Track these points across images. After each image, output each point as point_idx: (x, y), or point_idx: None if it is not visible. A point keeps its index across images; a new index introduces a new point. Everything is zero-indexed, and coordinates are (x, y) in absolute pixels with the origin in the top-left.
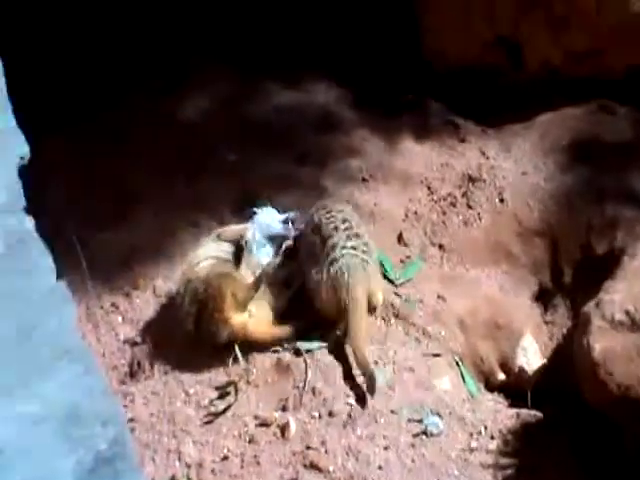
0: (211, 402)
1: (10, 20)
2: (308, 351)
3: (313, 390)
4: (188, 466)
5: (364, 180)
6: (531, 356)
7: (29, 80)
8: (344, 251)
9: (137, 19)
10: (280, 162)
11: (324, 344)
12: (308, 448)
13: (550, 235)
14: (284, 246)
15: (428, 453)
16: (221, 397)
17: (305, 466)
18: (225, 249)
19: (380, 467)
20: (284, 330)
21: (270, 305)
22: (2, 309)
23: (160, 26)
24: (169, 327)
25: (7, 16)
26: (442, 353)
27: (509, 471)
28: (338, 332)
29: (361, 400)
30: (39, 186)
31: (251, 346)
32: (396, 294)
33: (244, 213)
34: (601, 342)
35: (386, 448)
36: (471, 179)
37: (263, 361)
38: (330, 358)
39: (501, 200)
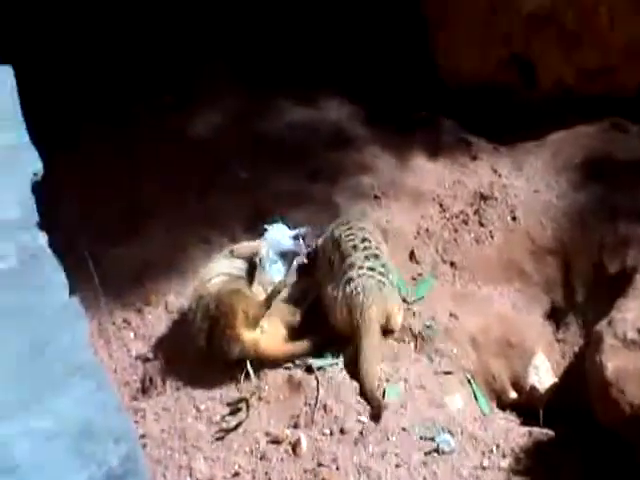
0: (222, 418)
1: (23, 37)
2: (320, 368)
3: (324, 407)
4: None
5: (376, 197)
6: (543, 374)
7: (42, 97)
8: (361, 271)
9: (148, 35)
10: (292, 179)
11: (336, 361)
12: (319, 465)
13: (562, 253)
14: (295, 262)
15: (440, 471)
16: (232, 413)
17: None
18: (237, 266)
19: None
20: (297, 346)
21: (283, 322)
22: (15, 325)
23: (172, 42)
24: (181, 343)
25: (19, 33)
26: (454, 371)
27: None
28: (351, 349)
29: (373, 417)
30: (51, 202)
31: (263, 363)
32: (410, 312)
33: (256, 230)
34: (613, 361)
35: (397, 466)
36: (483, 197)
37: (275, 378)
38: (342, 375)
39: (513, 218)
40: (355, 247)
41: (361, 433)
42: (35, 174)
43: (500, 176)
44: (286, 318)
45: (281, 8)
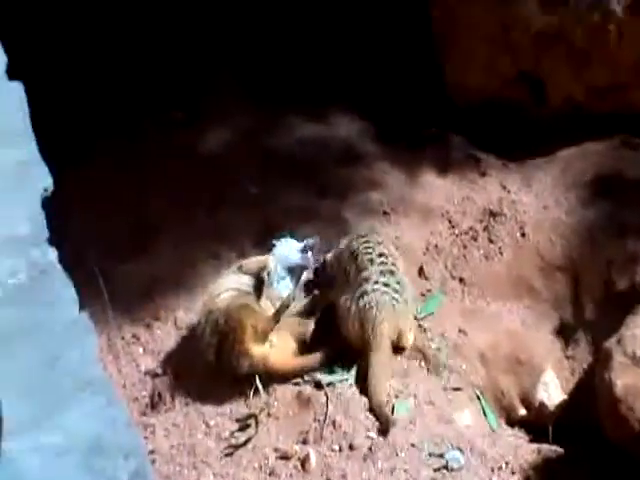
0: (232, 434)
1: (34, 54)
2: (329, 384)
3: (334, 423)
4: None
5: (385, 213)
6: (552, 391)
7: (51, 112)
8: (375, 286)
9: (159, 52)
10: (302, 194)
11: (345, 377)
12: None
13: (572, 270)
14: (304, 276)
15: None
16: (242, 429)
17: None
18: (246, 282)
19: None
20: (307, 360)
21: (292, 336)
22: (25, 340)
23: (181, 59)
24: (190, 358)
25: (29, 48)
26: (463, 387)
27: None
28: (361, 364)
29: (380, 432)
30: (61, 217)
31: (272, 378)
32: (419, 328)
33: (265, 245)
34: (622, 378)
35: None
36: (492, 213)
37: (284, 394)
38: (351, 391)
39: (522, 234)
40: (372, 261)
41: (370, 449)
42: (45, 190)
43: (509, 192)
44: (295, 332)
45: (292, 24)
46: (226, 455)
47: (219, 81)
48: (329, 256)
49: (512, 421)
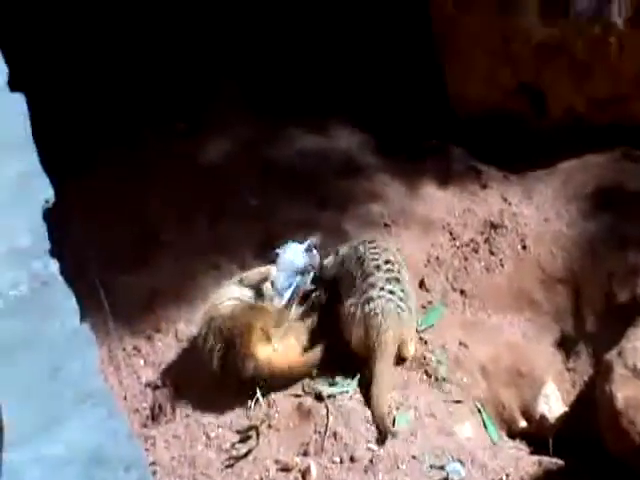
0: (232, 446)
1: (34, 63)
2: (330, 396)
3: (334, 435)
4: None
5: (386, 225)
6: (553, 403)
7: (53, 123)
8: (381, 293)
9: (161, 62)
10: (302, 206)
11: (346, 388)
12: None
13: (573, 282)
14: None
15: None
16: (242, 441)
17: None
18: (247, 294)
19: None
20: (307, 357)
21: (297, 340)
22: (26, 352)
23: (183, 69)
24: (191, 370)
25: (32, 59)
26: (464, 399)
27: None
28: (361, 376)
29: (380, 443)
30: (62, 228)
31: (275, 382)
32: (420, 340)
33: (266, 256)
34: (623, 391)
35: None
36: (493, 225)
37: (285, 405)
38: (352, 403)
39: (523, 247)
40: (378, 267)
41: (371, 461)
42: (46, 201)
43: (510, 204)
44: (299, 336)
45: (293, 36)
46: (227, 467)
47: (221, 92)
48: (327, 261)
49: (513, 433)
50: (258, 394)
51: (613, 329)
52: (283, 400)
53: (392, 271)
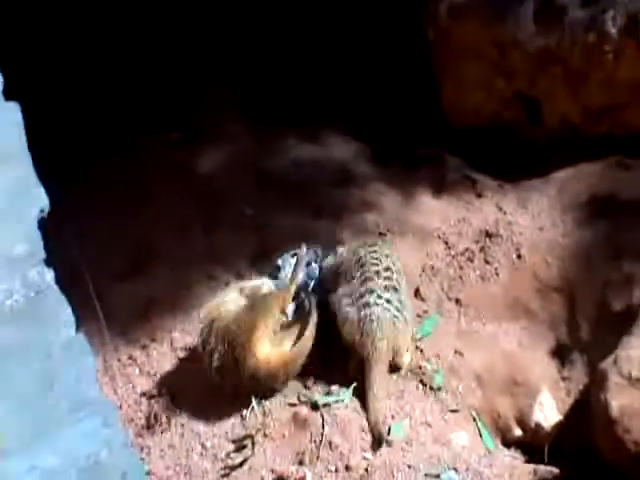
0: (228, 455)
1: (29, 70)
2: (325, 405)
3: (330, 444)
4: None
5: (381, 234)
6: (548, 412)
7: (48, 131)
8: (379, 300)
9: (156, 71)
10: (297, 216)
11: (341, 397)
12: None
13: (568, 291)
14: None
15: None
16: (238, 450)
17: None
18: (244, 303)
19: None
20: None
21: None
22: (21, 361)
23: (178, 79)
24: (186, 380)
25: (25, 66)
26: (459, 408)
27: None
28: (356, 385)
29: (374, 450)
30: (57, 237)
31: (266, 393)
32: (415, 349)
33: (261, 266)
34: (618, 399)
35: None
36: (488, 234)
37: (280, 414)
38: (347, 412)
39: (518, 256)
40: (378, 273)
41: (366, 470)
42: (42, 210)
43: (505, 213)
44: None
45: (288, 46)
46: (222, 476)
47: (215, 101)
48: (327, 261)
49: (508, 442)
50: (253, 403)
51: (608, 338)
52: (278, 409)
53: (391, 279)
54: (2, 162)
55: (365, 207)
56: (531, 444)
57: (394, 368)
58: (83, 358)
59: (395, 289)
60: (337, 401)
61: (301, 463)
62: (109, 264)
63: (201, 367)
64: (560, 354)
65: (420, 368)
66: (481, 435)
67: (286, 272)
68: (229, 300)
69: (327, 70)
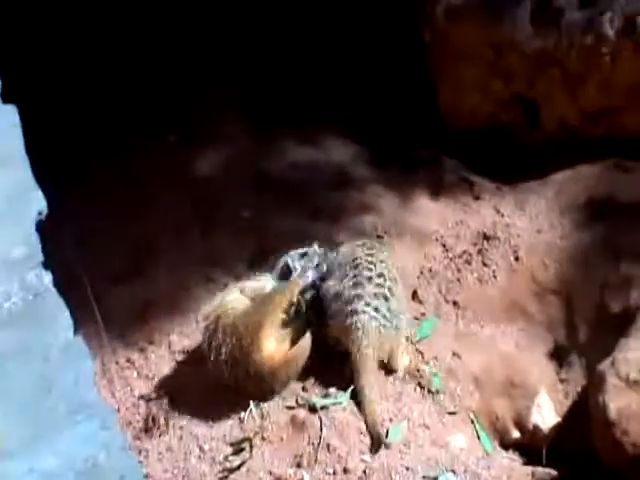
0: (226, 458)
1: (26, 73)
2: (323, 407)
3: (328, 446)
4: None
5: (379, 236)
6: (546, 414)
7: (47, 133)
8: (366, 308)
9: (154, 72)
10: (295, 218)
11: (339, 400)
12: None
13: (565, 293)
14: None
15: None
16: (236, 453)
17: None
18: (246, 302)
19: None
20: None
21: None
22: (19, 364)
23: (176, 80)
24: (184, 382)
25: (23, 68)
26: (457, 410)
27: None
28: (353, 387)
29: (376, 456)
30: (55, 239)
31: (266, 401)
32: (413, 351)
33: (259, 268)
34: (616, 401)
35: None
36: (486, 237)
37: (278, 417)
38: (345, 414)
39: (516, 258)
40: (370, 279)
41: (364, 472)
42: (40, 213)
43: (503, 216)
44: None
45: (285, 47)
46: (220, 479)
47: (215, 102)
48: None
49: (506, 444)
50: (252, 406)
51: (606, 339)
52: (276, 412)
53: (382, 286)
54: (0, 165)
55: (363, 209)
56: (529, 446)
57: (390, 371)
58: (81, 361)
59: (385, 297)
60: (335, 404)
61: (299, 466)
62: (107, 266)
63: (200, 369)
64: (558, 356)
65: (418, 370)
66: (479, 437)
67: (298, 272)
68: (233, 299)
69: (325, 72)
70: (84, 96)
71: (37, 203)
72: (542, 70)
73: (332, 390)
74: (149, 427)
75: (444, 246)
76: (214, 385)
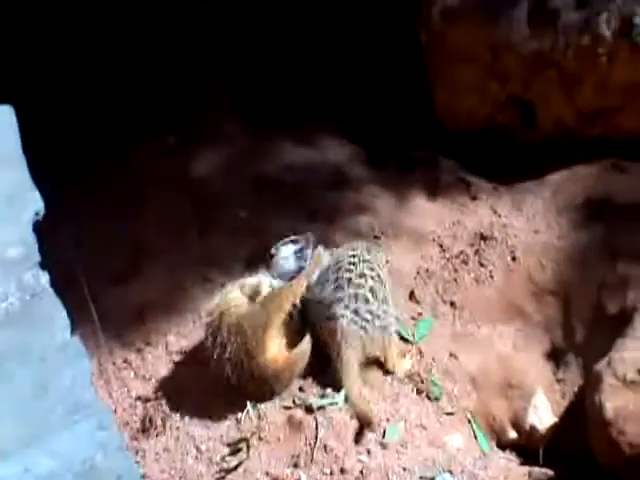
0: (223, 458)
1: (23, 74)
2: (320, 407)
3: (325, 447)
4: None
5: (375, 237)
6: (543, 414)
7: (44, 133)
8: (345, 312)
9: (150, 75)
10: (291, 219)
11: (336, 400)
12: None
13: (562, 293)
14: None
15: None
16: (233, 453)
17: None
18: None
19: None
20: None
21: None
22: (17, 364)
23: (173, 82)
24: (181, 383)
25: (20, 71)
26: (454, 410)
27: None
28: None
29: (373, 457)
30: (52, 239)
31: (263, 402)
32: (410, 352)
33: (256, 269)
34: (613, 401)
35: None
36: (483, 237)
37: (275, 417)
38: (342, 414)
39: (513, 258)
40: (350, 281)
41: (362, 472)
42: (37, 213)
43: (500, 216)
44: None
45: (282, 48)
46: (217, 479)
47: (214, 103)
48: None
49: (503, 444)
50: (248, 406)
51: (603, 340)
52: (273, 412)
53: (363, 287)
54: None
55: (359, 210)
56: (526, 446)
57: (388, 371)
58: (78, 361)
59: (366, 299)
60: (332, 404)
61: (296, 466)
62: (105, 266)
63: (197, 370)
64: (555, 356)
65: (415, 371)
66: (476, 437)
67: (279, 258)
68: (235, 297)
69: (322, 73)
70: (84, 96)
71: (34, 203)
72: (538, 71)
73: (329, 390)
74: (146, 427)
75: (441, 246)
76: (211, 386)
